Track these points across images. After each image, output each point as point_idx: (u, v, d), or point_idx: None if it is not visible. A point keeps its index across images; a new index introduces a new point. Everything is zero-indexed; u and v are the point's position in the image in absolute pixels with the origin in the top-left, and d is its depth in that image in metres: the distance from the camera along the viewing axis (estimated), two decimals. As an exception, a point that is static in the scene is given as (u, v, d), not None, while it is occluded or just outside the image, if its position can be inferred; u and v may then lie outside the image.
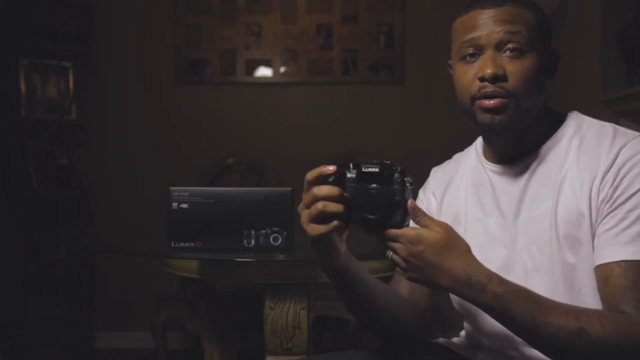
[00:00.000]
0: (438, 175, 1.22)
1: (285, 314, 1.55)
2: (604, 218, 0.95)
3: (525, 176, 1.04)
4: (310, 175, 0.94)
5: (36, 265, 3.10)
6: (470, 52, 1.02)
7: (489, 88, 0.99)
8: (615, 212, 0.94)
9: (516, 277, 1.03)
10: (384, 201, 0.90)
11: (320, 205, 0.91)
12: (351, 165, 0.93)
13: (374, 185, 0.91)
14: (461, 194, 1.15)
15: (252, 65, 3.44)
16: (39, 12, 3.08)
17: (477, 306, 0.91)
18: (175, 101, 3.42)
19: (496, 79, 0.98)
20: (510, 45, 0.99)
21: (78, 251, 3.22)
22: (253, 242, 1.51)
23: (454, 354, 1.12)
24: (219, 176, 3.30)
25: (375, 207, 0.90)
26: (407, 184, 0.92)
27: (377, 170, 0.91)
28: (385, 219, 0.90)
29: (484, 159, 1.12)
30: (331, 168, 0.93)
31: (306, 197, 0.93)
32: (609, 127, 1.01)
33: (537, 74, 1.00)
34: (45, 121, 3.16)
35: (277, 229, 1.51)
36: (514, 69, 0.99)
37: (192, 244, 1.52)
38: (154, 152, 3.40)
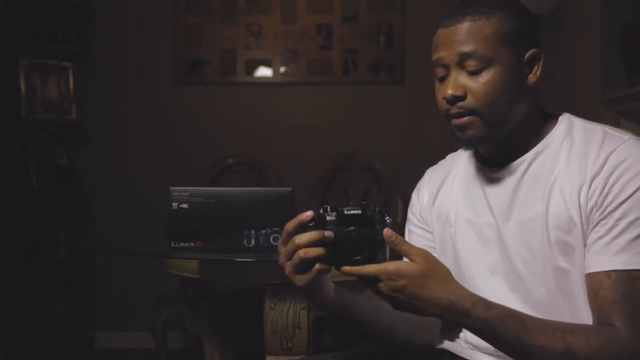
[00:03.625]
0: (432, 175, 1.23)
1: (285, 314, 1.56)
2: (595, 226, 0.94)
3: (516, 179, 1.04)
4: (290, 225, 0.92)
5: (36, 265, 3.10)
6: (440, 73, 1.04)
7: (452, 110, 1.01)
8: (605, 220, 0.93)
9: (510, 280, 1.04)
10: (367, 242, 0.91)
11: (301, 253, 0.89)
12: (328, 207, 0.93)
13: (356, 227, 0.91)
14: (453, 195, 1.15)
15: (252, 65, 3.44)
16: (39, 12, 3.08)
17: (466, 329, 0.93)
18: (175, 101, 3.42)
19: (455, 100, 1.00)
20: (467, 64, 1.00)
21: (78, 251, 3.22)
22: (253, 242, 1.51)
23: (454, 357, 1.12)
24: (219, 176, 3.31)
25: (360, 248, 0.90)
26: (387, 223, 0.93)
27: (359, 212, 0.92)
28: (370, 258, 0.90)
29: (476, 161, 1.12)
30: (309, 214, 0.92)
31: (287, 249, 0.91)
32: (598, 130, 1.00)
33: (503, 85, 0.99)
34: (45, 121, 3.16)
35: (277, 229, 1.51)
36: (473, 86, 1.00)
37: (192, 244, 1.52)
38: (154, 152, 3.40)
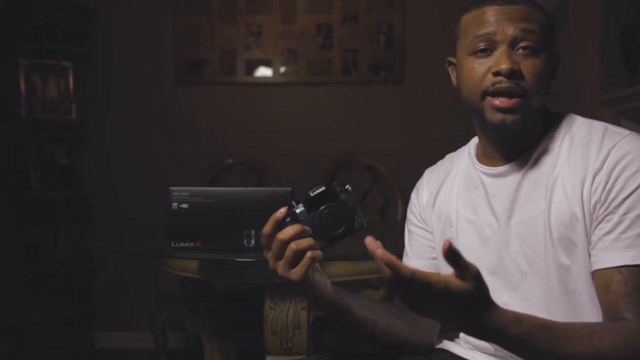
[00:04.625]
0: (431, 176, 1.22)
1: (285, 314, 1.55)
2: (600, 222, 0.94)
3: (518, 178, 1.04)
4: (268, 227, 0.95)
5: (36, 265, 3.10)
6: (482, 47, 1.00)
7: (504, 83, 0.97)
8: (610, 215, 0.94)
9: (511, 279, 1.04)
10: (342, 213, 0.97)
11: (293, 245, 0.92)
12: (293, 202, 0.98)
13: (325, 205, 0.97)
14: (453, 195, 1.14)
15: (252, 65, 3.44)
16: (39, 12, 3.07)
17: (495, 344, 0.90)
18: (175, 101, 3.42)
19: (512, 74, 0.97)
20: (523, 44, 0.99)
21: (78, 251, 3.22)
22: (253, 242, 1.51)
23: (453, 357, 1.12)
24: (218, 176, 3.31)
25: (338, 222, 0.96)
26: (349, 190, 0.98)
27: (323, 189, 0.97)
28: (350, 227, 0.96)
29: (476, 161, 1.12)
30: (282, 210, 0.95)
31: (274, 248, 0.94)
32: (599, 126, 1.01)
33: (548, 74, 1.01)
34: (45, 121, 3.16)
35: (277, 229, 1.50)
36: (528, 66, 0.98)
37: (192, 244, 1.52)
38: (154, 152, 3.40)
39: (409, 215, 1.24)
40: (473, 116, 1.05)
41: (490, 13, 1.01)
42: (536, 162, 1.03)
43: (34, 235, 3.14)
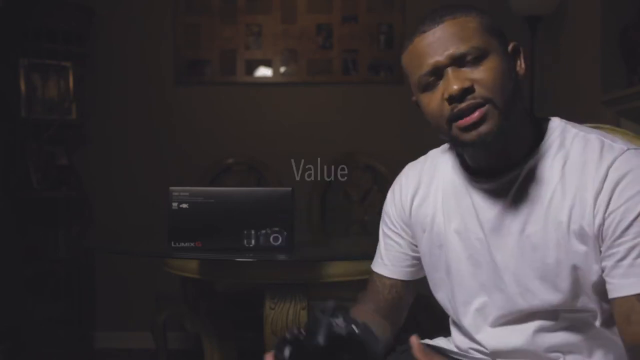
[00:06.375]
0: (413, 173, 1.19)
1: (285, 314, 1.56)
2: (611, 248, 0.90)
3: (508, 194, 0.99)
4: None
5: (36, 265, 3.10)
6: (430, 80, 0.97)
7: (463, 104, 0.93)
8: (620, 239, 0.89)
9: (501, 296, 1.01)
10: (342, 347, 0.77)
11: None
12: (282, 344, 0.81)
13: (314, 343, 0.77)
14: (438, 202, 1.09)
15: (252, 65, 3.44)
16: (39, 12, 3.07)
17: None
18: (175, 101, 3.42)
19: (464, 93, 0.93)
20: (466, 58, 0.94)
21: (78, 251, 3.22)
22: (253, 242, 1.51)
23: (449, 356, 1.12)
24: (218, 176, 3.30)
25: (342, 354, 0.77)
26: (340, 318, 0.78)
27: (303, 332, 0.79)
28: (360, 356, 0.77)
29: (465, 173, 1.06)
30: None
31: None
32: (595, 140, 0.95)
33: (504, 73, 0.95)
34: (45, 121, 3.16)
35: (277, 229, 1.51)
36: (478, 75, 0.93)
37: (192, 244, 1.52)
38: (154, 152, 3.40)
39: (384, 216, 1.19)
40: (450, 142, 1.01)
41: (422, 44, 0.97)
42: (528, 177, 0.97)
43: (34, 235, 3.14)
